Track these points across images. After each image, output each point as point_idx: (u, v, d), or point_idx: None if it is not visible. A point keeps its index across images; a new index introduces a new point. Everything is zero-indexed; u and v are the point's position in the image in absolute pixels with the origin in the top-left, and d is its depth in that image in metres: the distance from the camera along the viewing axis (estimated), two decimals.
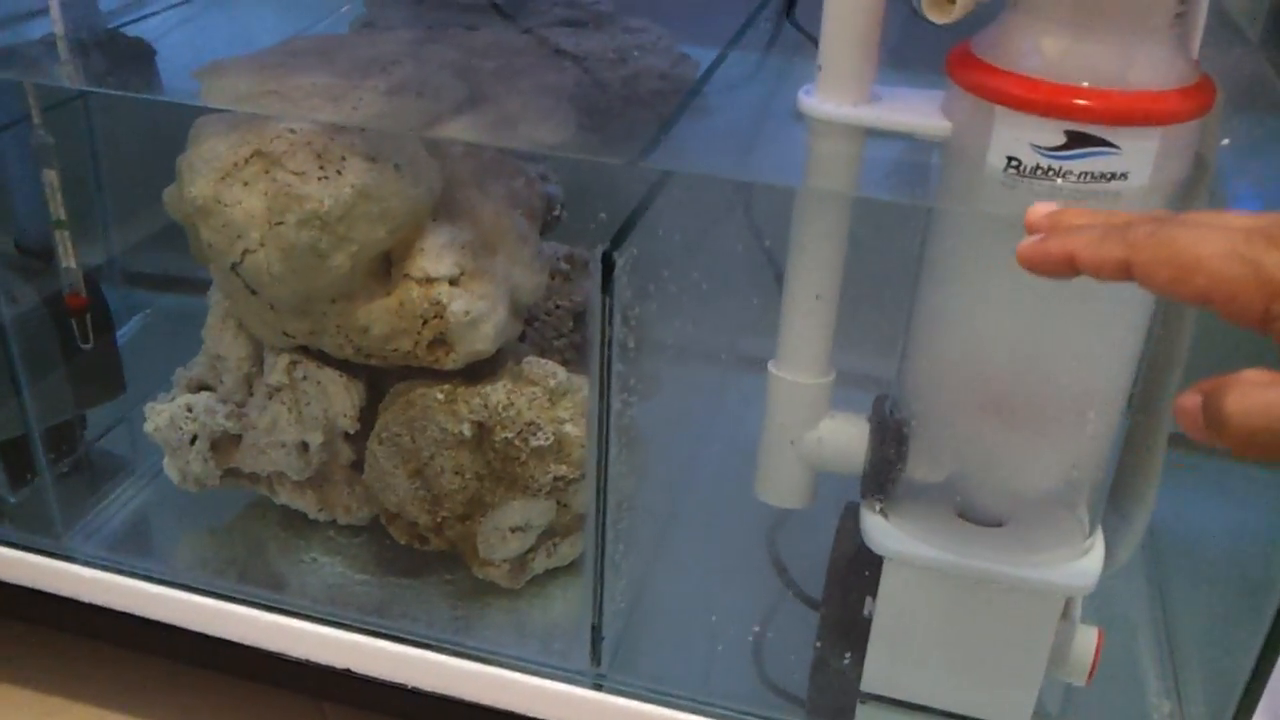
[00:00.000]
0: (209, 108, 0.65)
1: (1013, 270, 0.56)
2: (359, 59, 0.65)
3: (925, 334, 0.61)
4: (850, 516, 0.69)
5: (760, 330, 0.66)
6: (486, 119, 0.61)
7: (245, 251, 0.63)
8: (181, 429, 0.74)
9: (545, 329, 0.79)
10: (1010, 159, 0.53)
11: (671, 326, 0.71)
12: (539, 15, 0.81)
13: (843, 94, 0.57)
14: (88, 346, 0.76)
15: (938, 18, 0.54)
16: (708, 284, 0.75)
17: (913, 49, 0.60)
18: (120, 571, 0.77)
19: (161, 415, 0.74)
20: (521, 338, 0.76)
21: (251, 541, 0.80)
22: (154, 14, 0.81)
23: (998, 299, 0.57)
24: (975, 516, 0.65)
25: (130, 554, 0.79)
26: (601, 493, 0.63)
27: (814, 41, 0.74)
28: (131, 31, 0.77)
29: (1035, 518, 0.65)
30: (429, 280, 0.64)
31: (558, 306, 0.79)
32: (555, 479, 0.69)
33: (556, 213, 0.83)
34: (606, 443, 0.61)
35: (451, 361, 0.66)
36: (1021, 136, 0.53)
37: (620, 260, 0.55)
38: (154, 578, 0.77)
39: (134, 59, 0.72)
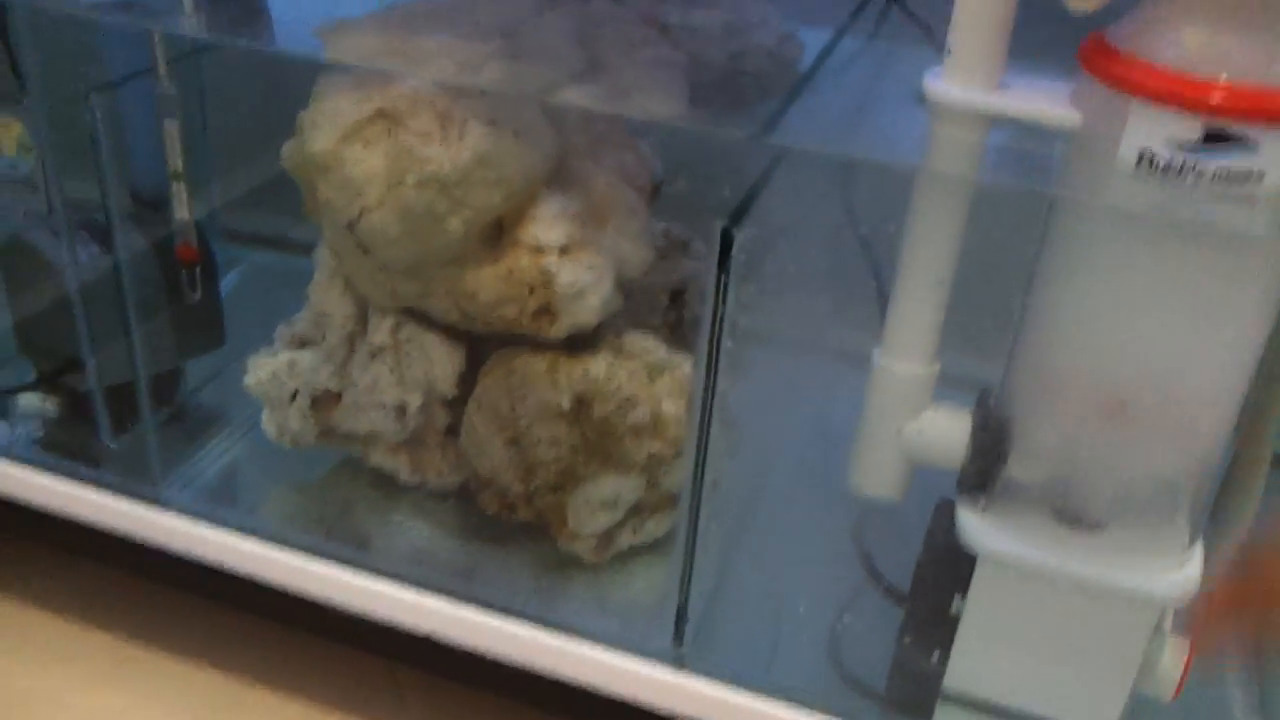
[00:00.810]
0: (333, 64, 0.66)
1: (1138, 269, 0.56)
2: (480, 23, 0.65)
3: (1039, 331, 0.60)
4: (944, 512, 0.68)
5: (855, 320, 0.66)
6: (604, 88, 0.61)
7: (363, 210, 0.64)
8: (284, 384, 0.75)
9: (641, 306, 0.79)
10: (1143, 154, 0.52)
11: (773, 309, 0.71)
12: None
13: (971, 79, 0.57)
14: (196, 298, 0.77)
15: (1081, 6, 0.53)
16: (811, 268, 0.75)
17: (1032, 39, 0.59)
18: (211, 522, 0.78)
19: (264, 369, 0.75)
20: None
21: (340, 500, 0.81)
22: None
23: (1120, 298, 0.56)
24: (1073, 519, 0.65)
25: (221, 505, 0.81)
26: (699, 472, 0.63)
27: (922, 26, 0.74)
28: None
29: (1135, 524, 0.64)
30: (539, 249, 0.65)
31: (654, 283, 0.79)
32: (650, 456, 0.69)
33: (661, 187, 0.83)
34: (709, 422, 0.60)
35: (555, 331, 0.67)
36: (1157, 131, 0.52)
37: (739, 237, 0.55)
38: (243, 529, 0.78)
39: (250, 15, 0.73)
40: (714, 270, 0.56)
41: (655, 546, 0.77)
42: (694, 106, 0.65)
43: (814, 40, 0.74)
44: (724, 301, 0.57)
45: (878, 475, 0.66)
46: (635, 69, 0.64)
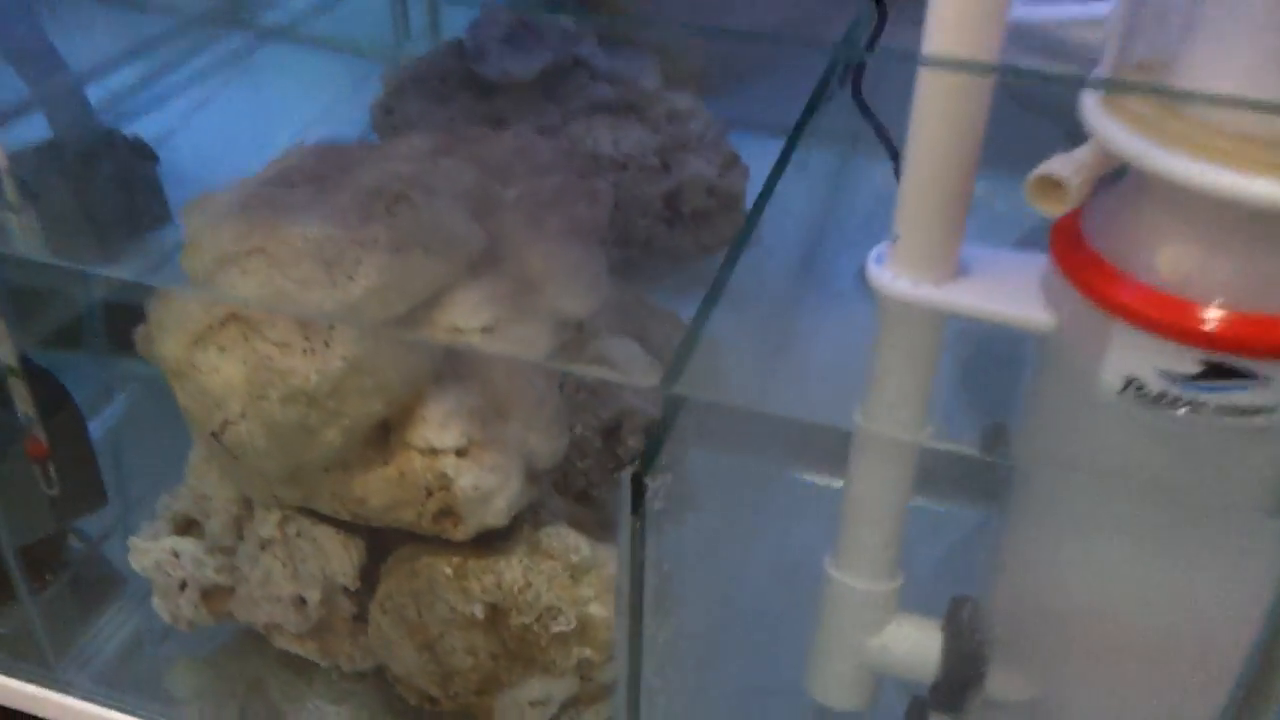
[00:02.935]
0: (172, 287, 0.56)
1: (1120, 503, 0.48)
2: (361, 189, 0.56)
3: (1018, 552, 0.52)
4: (915, 713, 0.60)
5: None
6: (504, 284, 0.52)
7: (226, 422, 0.55)
8: (169, 575, 0.66)
9: (570, 453, 0.70)
10: (1130, 380, 0.44)
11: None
12: (572, 98, 0.71)
13: (922, 269, 0.48)
14: (53, 492, 0.68)
15: (1048, 209, 0.44)
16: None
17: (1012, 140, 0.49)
18: (113, 704, 0.72)
19: (147, 556, 0.67)
20: None
21: (249, 678, 0.73)
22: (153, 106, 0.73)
23: (1101, 534, 0.48)
24: None
25: (122, 685, 0.73)
26: (634, 698, 0.55)
27: (878, 129, 0.64)
28: (134, 128, 0.68)
29: None
30: (433, 451, 0.56)
31: (583, 429, 0.70)
32: (580, 661, 0.61)
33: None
34: (639, 671, 0.52)
35: (460, 534, 0.58)
36: (1146, 360, 0.43)
37: (653, 486, 0.46)
38: (147, 713, 0.71)
39: (130, 168, 0.64)
40: (628, 514, 0.47)
41: None
42: (616, 281, 0.56)
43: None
44: (642, 545, 0.48)
45: (838, 687, 0.58)
46: (545, 247, 0.55)
